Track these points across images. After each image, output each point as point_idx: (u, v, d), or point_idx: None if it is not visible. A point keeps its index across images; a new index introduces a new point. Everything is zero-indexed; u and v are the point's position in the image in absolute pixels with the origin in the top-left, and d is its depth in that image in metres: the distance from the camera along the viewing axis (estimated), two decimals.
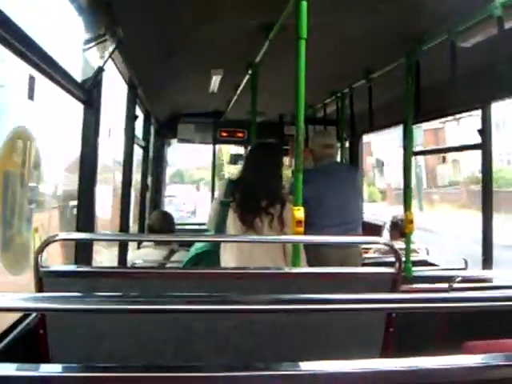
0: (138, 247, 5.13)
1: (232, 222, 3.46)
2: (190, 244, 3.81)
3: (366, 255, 5.15)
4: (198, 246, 3.62)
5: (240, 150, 7.82)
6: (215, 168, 7.85)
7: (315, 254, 3.61)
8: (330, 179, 4.44)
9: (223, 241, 3.45)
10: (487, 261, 4.06)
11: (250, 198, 3.46)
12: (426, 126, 31.32)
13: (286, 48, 2.87)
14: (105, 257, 6.11)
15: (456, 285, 3.00)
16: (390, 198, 34.13)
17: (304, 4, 2.76)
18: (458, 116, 24.06)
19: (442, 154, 31.84)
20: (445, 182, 35.84)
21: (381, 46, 3.87)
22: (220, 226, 3.47)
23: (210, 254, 3.53)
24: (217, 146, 7.82)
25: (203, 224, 4.01)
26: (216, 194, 3.67)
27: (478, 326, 2.49)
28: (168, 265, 4.35)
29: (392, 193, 34.62)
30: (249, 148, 3.84)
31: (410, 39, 3.65)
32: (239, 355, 2.32)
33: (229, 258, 3.41)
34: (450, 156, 33.59)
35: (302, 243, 3.10)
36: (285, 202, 3.42)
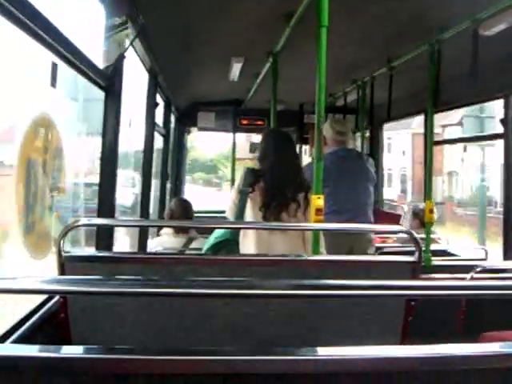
0: (158, 235, 5.17)
1: (251, 211, 3.45)
2: (209, 231, 3.82)
3: (384, 244, 5.14)
4: (217, 234, 3.61)
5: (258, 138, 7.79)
6: (234, 158, 7.81)
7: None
8: (339, 165, 4.43)
9: (242, 228, 3.45)
10: (508, 251, 4.03)
11: (275, 189, 3.42)
12: (415, 129, 28.11)
13: (307, 36, 2.86)
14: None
15: (476, 275, 2.99)
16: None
17: None
18: (444, 123, 23.30)
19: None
20: (436, 198, 31.11)
21: (403, 34, 3.83)
22: (239, 214, 3.47)
23: (230, 242, 3.52)
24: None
25: (223, 212, 4.01)
26: (236, 183, 3.65)
27: (497, 315, 2.48)
28: (187, 252, 4.37)
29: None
30: (263, 134, 3.78)
31: (432, 27, 3.62)
32: (258, 340, 2.34)
33: (248, 246, 3.41)
34: (445, 166, 29.95)
35: (320, 230, 3.11)
36: (309, 187, 3.37)
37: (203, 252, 3.67)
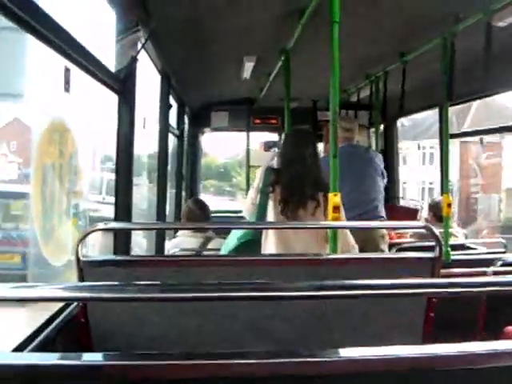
0: (174, 236, 5.17)
1: (272, 211, 3.44)
2: (226, 232, 3.81)
3: (400, 240, 5.11)
4: (240, 235, 3.58)
5: (272, 136, 7.75)
6: (249, 156, 7.78)
7: None
8: (346, 161, 4.41)
9: (260, 228, 3.44)
10: None
11: (295, 188, 3.41)
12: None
13: (319, 32, 2.84)
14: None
15: (497, 268, 2.96)
16: None
17: None
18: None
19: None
20: (491, 219, 23.65)
21: (415, 28, 3.80)
22: (261, 215, 3.45)
23: (252, 243, 3.50)
24: None
25: (239, 211, 4.00)
26: (255, 182, 3.62)
27: None
28: (204, 253, 4.37)
29: None
30: (284, 136, 3.78)
31: (445, 20, 3.58)
32: (279, 342, 2.33)
33: (270, 246, 3.39)
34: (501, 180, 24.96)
35: (339, 228, 3.09)
36: (328, 187, 3.36)
37: (225, 253, 3.64)
